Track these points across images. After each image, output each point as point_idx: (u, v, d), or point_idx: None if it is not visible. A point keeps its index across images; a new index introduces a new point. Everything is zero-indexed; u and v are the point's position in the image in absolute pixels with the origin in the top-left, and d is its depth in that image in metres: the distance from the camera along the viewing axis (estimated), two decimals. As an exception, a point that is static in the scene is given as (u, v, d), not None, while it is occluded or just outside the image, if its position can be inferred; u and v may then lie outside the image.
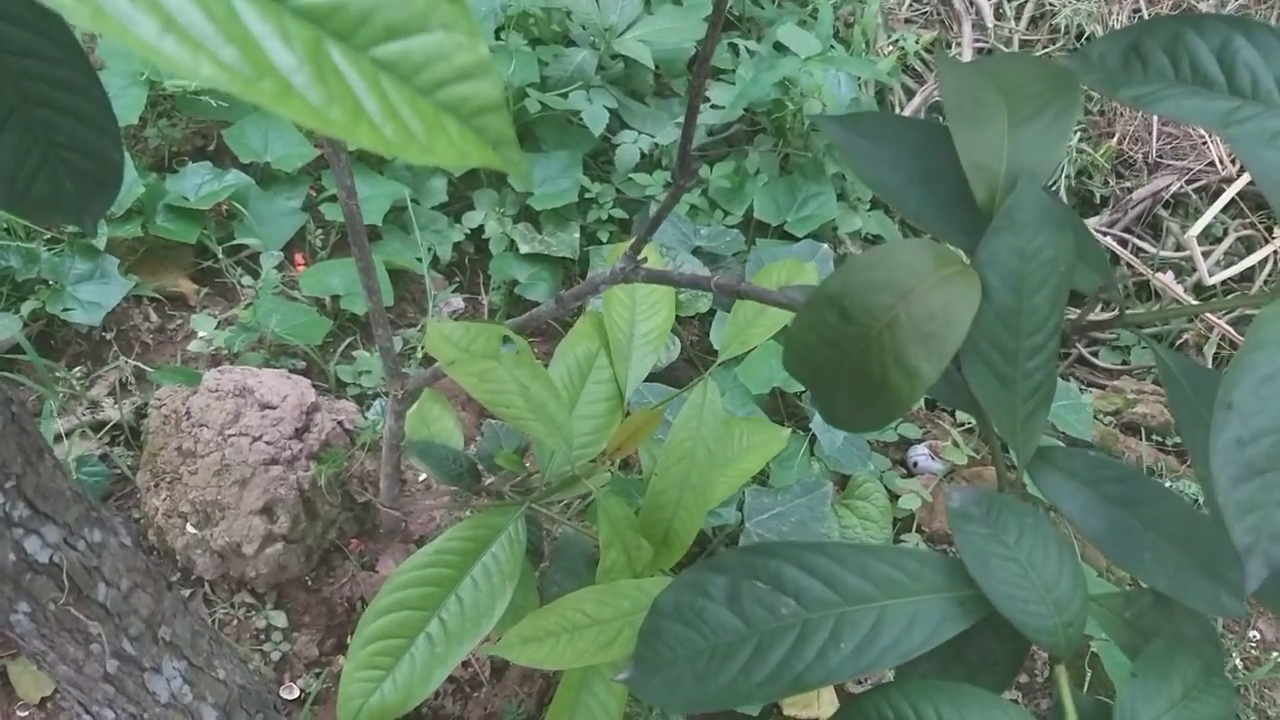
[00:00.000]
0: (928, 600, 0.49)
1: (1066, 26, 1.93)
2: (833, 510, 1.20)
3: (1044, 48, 1.95)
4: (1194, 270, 1.74)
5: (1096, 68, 0.53)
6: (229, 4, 0.25)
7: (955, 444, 1.32)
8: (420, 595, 0.84)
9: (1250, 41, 0.50)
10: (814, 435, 1.27)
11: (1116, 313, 0.55)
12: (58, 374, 1.24)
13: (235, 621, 1.11)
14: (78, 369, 1.26)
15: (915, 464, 1.34)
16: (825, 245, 1.44)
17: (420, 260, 1.45)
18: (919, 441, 1.36)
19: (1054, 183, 1.83)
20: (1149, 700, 0.46)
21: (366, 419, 1.21)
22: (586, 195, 1.56)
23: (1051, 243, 0.50)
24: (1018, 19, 1.98)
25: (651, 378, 1.35)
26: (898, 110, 1.89)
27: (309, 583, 1.14)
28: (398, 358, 1.03)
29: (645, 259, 0.79)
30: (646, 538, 0.85)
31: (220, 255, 1.40)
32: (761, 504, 1.16)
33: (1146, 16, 1.94)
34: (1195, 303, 1.70)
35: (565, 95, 1.56)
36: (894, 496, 1.27)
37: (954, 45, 1.96)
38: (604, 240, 1.55)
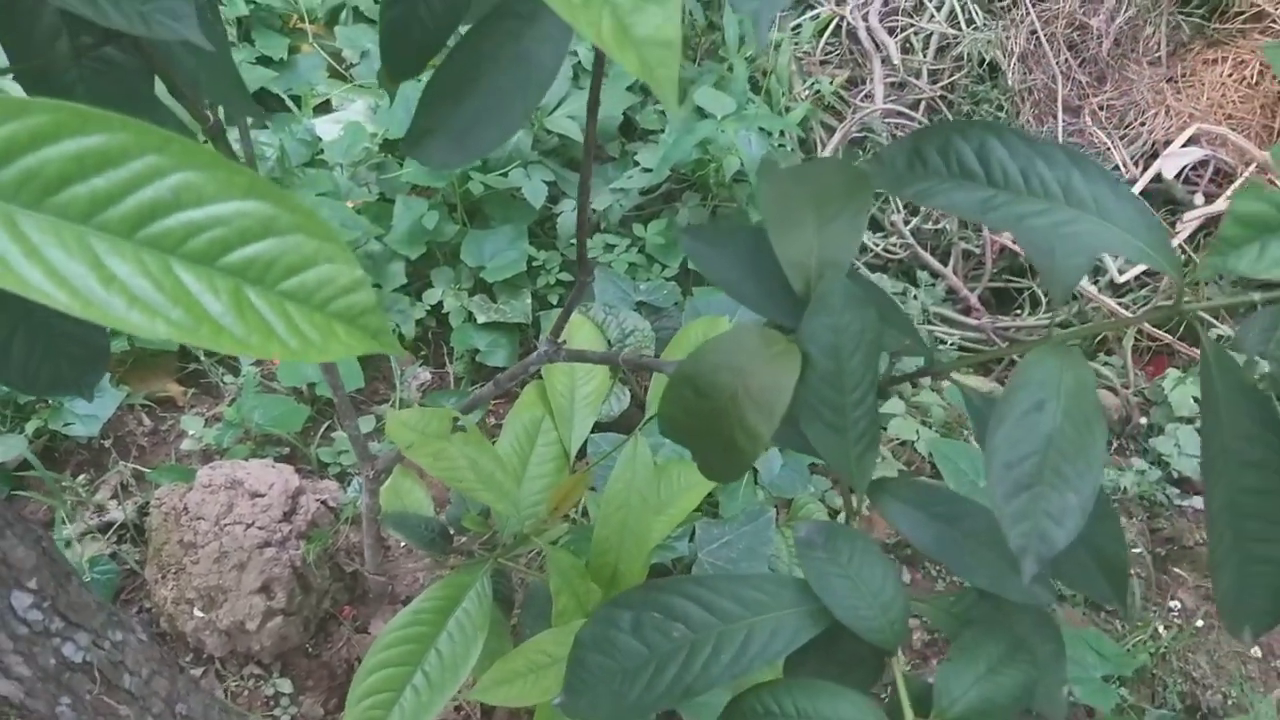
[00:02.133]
0: (785, 614, 0.61)
1: (968, 55, 2.07)
2: (779, 533, 1.32)
3: (949, 75, 2.08)
4: (1105, 270, 1.87)
5: (888, 170, 0.66)
6: (174, 275, 0.37)
7: (883, 458, 1.45)
8: (403, 653, 0.95)
9: (1001, 142, 0.63)
10: (755, 467, 1.39)
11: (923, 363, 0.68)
12: (64, 484, 1.36)
13: (246, 692, 1.22)
14: (82, 477, 1.38)
15: (855, 481, 1.46)
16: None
17: (386, 341, 1.57)
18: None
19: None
20: (959, 677, 0.58)
21: (347, 495, 1.33)
22: (534, 263, 1.69)
23: (858, 317, 0.63)
24: (925, 50, 2.12)
25: (606, 427, 1.47)
26: (819, 149, 2.02)
27: (309, 649, 1.25)
28: (369, 435, 1.15)
29: (565, 341, 0.91)
30: (596, 580, 0.97)
31: (202, 358, 1.52)
32: (711, 535, 1.28)
33: (1042, 38, 2.08)
34: (1064, 318, 1.83)
35: (505, 174, 1.69)
36: (834, 513, 1.39)
37: (867, 81, 2.09)
38: (554, 303, 1.68)
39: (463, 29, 0.60)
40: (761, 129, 1.68)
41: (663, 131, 1.81)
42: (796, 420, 0.64)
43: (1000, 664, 0.60)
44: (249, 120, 0.79)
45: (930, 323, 1.90)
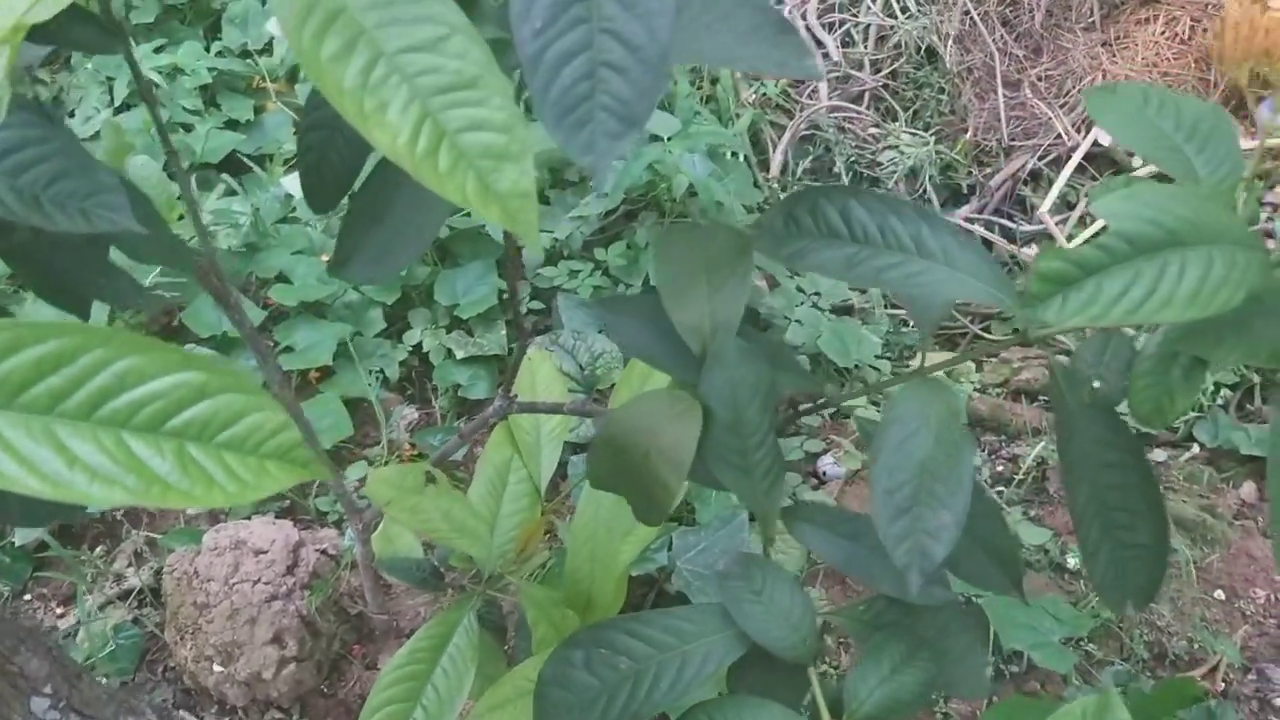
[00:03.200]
0: (713, 640, 0.70)
1: (906, 43, 2.14)
2: (754, 534, 1.40)
3: (891, 64, 2.16)
4: (1054, 240, 1.94)
5: (768, 234, 0.73)
6: (126, 446, 0.46)
7: (848, 452, 1.53)
8: (404, 690, 1.04)
9: (859, 203, 0.70)
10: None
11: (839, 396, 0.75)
12: (83, 558, 1.45)
13: (271, 735, 1.31)
14: (99, 548, 1.47)
15: (824, 473, 1.54)
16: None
17: (370, 386, 1.66)
18: (824, 453, 1.56)
19: (920, 186, 2.04)
20: (865, 680, 0.66)
21: (345, 542, 1.42)
22: (505, 295, 1.77)
23: (751, 370, 0.70)
24: (865, 42, 2.19)
25: (585, 448, 1.55)
26: (771, 151, 2.10)
27: (325, 690, 1.34)
28: (362, 481, 1.23)
29: (516, 395, 0.99)
30: (572, 606, 1.05)
31: (199, 421, 1.60)
32: (687, 543, 1.36)
33: (976, 18, 2.15)
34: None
35: (469, 214, 1.77)
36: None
37: (813, 80, 2.16)
38: (527, 330, 1.76)
39: (373, 160, 0.68)
40: (709, 144, 1.76)
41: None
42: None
43: (903, 664, 0.68)
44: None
45: (892, 306, 1.97)
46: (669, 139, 1.76)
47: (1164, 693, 1.09)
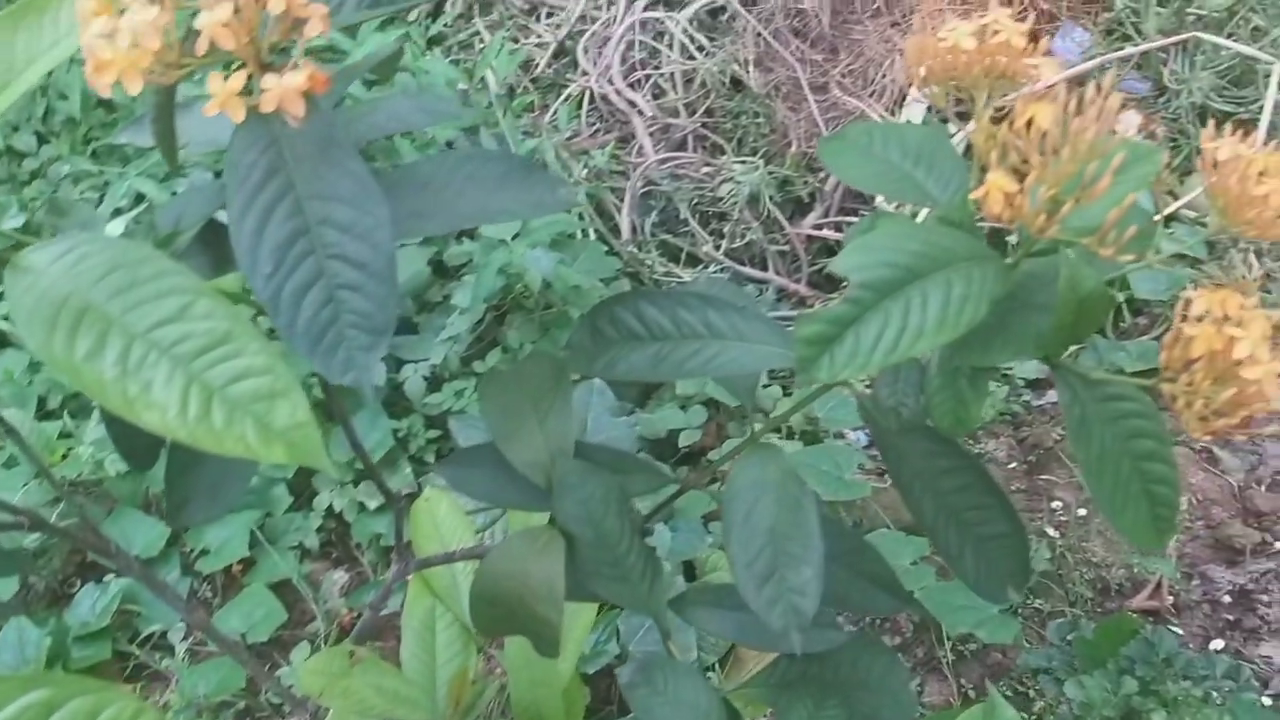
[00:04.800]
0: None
1: (710, 80, 2.21)
2: (695, 594, 1.42)
3: (703, 102, 2.22)
4: (901, 224, 2.01)
5: (579, 352, 0.76)
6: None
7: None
8: None
9: (650, 303, 0.74)
10: (650, 545, 1.50)
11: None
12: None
13: None
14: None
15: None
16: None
17: (293, 564, 1.66)
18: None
19: (763, 208, 2.10)
20: (780, 740, 0.69)
21: (307, 728, 1.41)
22: (400, 433, 1.78)
23: (598, 485, 0.73)
24: (674, 89, 2.25)
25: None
26: (619, 216, 2.14)
27: None
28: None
29: (411, 554, 1.01)
30: (526, 732, 1.06)
31: (136, 652, 1.59)
32: (633, 625, 1.38)
33: (768, 38, 2.23)
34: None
35: (342, 367, 1.78)
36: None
37: (633, 138, 2.22)
38: (430, 461, 1.77)
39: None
40: (551, 234, 1.80)
41: (469, 263, 1.92)
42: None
43: (814, 717, 0.71)
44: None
45: (773, 330, 2.02)
46: (512, 239, 1.80)
47: (1104, 634, 1.13)
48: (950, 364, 0.65)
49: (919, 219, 0.70)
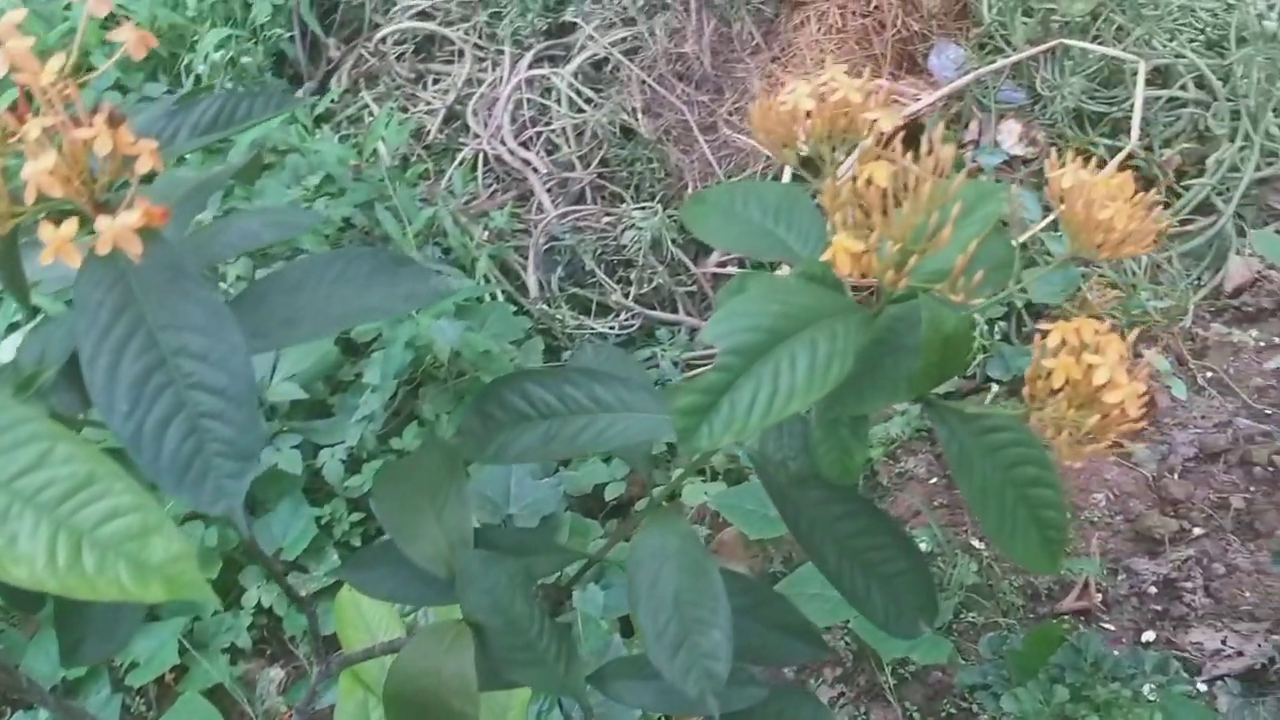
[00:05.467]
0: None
1: (600, 131, 2.23)
2: (630, 646, 1.42)
3: (597, 153, 2.24)
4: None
5: (470, 438, 0.76)
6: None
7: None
8: None
9: (535, 383, 0.74)
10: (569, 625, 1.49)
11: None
12: None
13: None
14: None
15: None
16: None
17: (225, 667, 1.62)
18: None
19: (666, 252, 2.12)
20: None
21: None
22: (323, 520, 1.76)
23: (501, 572, 0.73)
24: (567, 143, 2.27)
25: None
26: (526, 273, 2.15)
27: None
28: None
29: (334, 658, 0.99)
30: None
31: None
32: (575, 690, 1.37)
33: (653, 84, 2.25)
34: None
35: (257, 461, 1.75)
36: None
37: (532, 195, 2.23)
38: (357, 545, 1.75)
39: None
40: (455, 302, 1.80)
41: (378, 338, 1.91)
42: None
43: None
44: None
45: (686, 369, 2.04)
46: (417, 310, 1.79)
47: (1033, 644, 1.15)
48: (828, 415, 0.66)
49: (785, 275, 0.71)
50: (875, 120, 0.63)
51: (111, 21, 2.39)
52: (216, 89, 2.33)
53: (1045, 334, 0.61)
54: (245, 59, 2.38)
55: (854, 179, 0.59)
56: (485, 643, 0.72)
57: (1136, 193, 0.65)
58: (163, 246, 0.53)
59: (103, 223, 0.48)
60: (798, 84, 0.66)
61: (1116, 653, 1.31)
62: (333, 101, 2.46)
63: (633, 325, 2.12)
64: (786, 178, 2.14)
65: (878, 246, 0.57)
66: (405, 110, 2.42)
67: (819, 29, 2.35)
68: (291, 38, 2.56)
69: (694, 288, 2.15)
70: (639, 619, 0.69)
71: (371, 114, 2.41)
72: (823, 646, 0.79)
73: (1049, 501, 0.67)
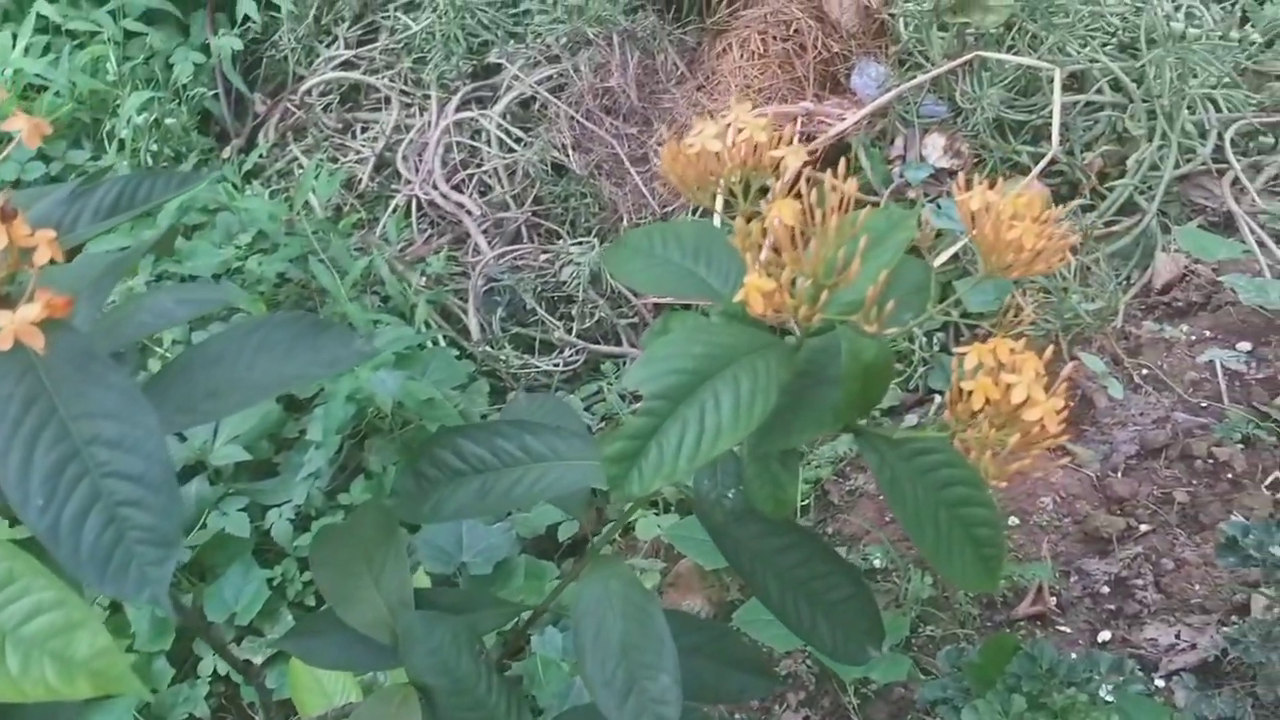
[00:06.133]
0: None
1: (531, 169, 2.24)
2: (597, 690, 1.41)
3: (530, 191, 2.25)
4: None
5: (405, 498, 0.76)
6: None
7: (644, 570, 1.57)
8: None
9: (465, 439, 0.74)
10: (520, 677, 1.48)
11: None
12: None
13: None
14: None
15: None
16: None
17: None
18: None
19: (605, 285, 2.12)
20: None
21: None
22: (274, 581, 1.73)
23: (445, 631, 0.72)
24: (499, 183, 2.27)
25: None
26: (466, 316, 2.14)
27: None
28: None
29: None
30: None
31: None
32: (540, 736, 1.36)
33: (581, 120, 2.26)
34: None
35: (204, 525, 1.73)
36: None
37: (468, 238, 2.23)
38: (312, 604, 1.73)
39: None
40: (395, 352, 1.79)
41: (324, 391, 1.89)
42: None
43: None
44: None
45: (633, 401, 2.03)
46: (355, 366, 1.78)
47: (988, 655, 1.16)
48: (759, 450, 0.67)
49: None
50: (782, 158, 0.64)
51: (31, 91, 2.37)
52: (141, 152, 2.31)
53: (962, 356, 0.61)
54: (169, 120, 2.36)
55: (762, 220, 0.60)
56: (434, 703, 0.71)
57: (1044, 210, 0.66)
58: (70, 335, 0.52)
59: (3, 318, 0.47)
60: (704, 125, 0.66)
61: (1074, 656, 1.32)
62: (261, 156, 2.44)
63: (577, 361, 2.12)
64: (719, 209, 2.16)
65: (789, 283, 0.58)
66: (335, 161, 2.41)
67: (741, 55, 2.38)
68: (216, 95, 2.54)
69: (636, 319, 2.15)
70: (585, 669, 0.69)
71: (301, 167, 2.40)
72: (774, 679, 0.80)
73: (983, 520, 0.67)
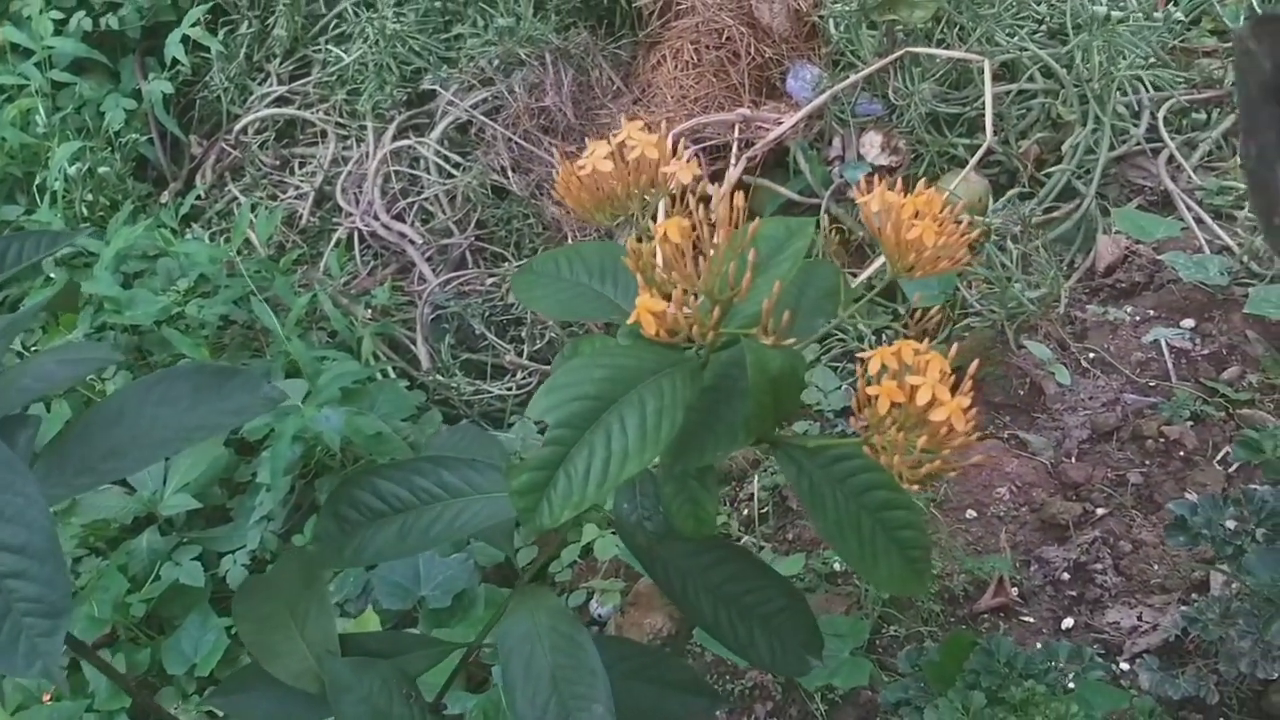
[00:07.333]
0: None
1: (473, 196, 2.22)
2: None
3: (472, 215, 2.23)
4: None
5: (327, 542, 0.74)
6: None
7: (605, 590, 1.55)
8: None
9: (382, 478, 0.73)
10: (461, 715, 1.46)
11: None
12: None
13: None
14: None
15: (598, 615, 1.56)
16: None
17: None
18: (588, 600, 1.58)
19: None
20: None
21: None
22: (233, 630, 1.71)
23: (374, 677, 0.71)
24: (440, 209, 2.26)
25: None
26: (415, 346, 2.12)
27: None
28: None
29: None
30: None
31: None
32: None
33: (519, 141, 2.26)
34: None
35: (158, 576, 1.71)
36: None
37: (413, 266, 2.21)
38: (275, 649, 1.70)
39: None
40: (341, 388, 1.77)
41: (270, 433, 1.86)
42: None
43: None
44: None
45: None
46: (303, 399, 1.76)
47: (947, 653, 1.15)
48: (675, 470, 0.66)
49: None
50: (674, 175, 0.63)
51: (-41, 148, 2.33)
52: (76, 203, 2.28)
53: (865, 361, 0.61)
54: (103, 169, 2.33)
55: (651, 240, 0.59)
56: (371, 751, 0.70)
57: (943, 208, 0.66)
58: (-58, 409, 0.51)
59: None
60: (596, 145, 0.66)
61: (1039, 646, 1.32)
62: (199, 199, 2.42)
63: (530, 383, 2.10)
64: (661, 218, 2.15)
65: (685, 302, 0.57)
66: (275, 198, 2.39)
67: (675, 66, 2.38)
68: (150, 140, 2.52)
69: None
70: (516, 705, 0.67)
71: (240, 206, 2.37)
72: (716, 697, 0.79)
73: (906, 522, 0.67)
